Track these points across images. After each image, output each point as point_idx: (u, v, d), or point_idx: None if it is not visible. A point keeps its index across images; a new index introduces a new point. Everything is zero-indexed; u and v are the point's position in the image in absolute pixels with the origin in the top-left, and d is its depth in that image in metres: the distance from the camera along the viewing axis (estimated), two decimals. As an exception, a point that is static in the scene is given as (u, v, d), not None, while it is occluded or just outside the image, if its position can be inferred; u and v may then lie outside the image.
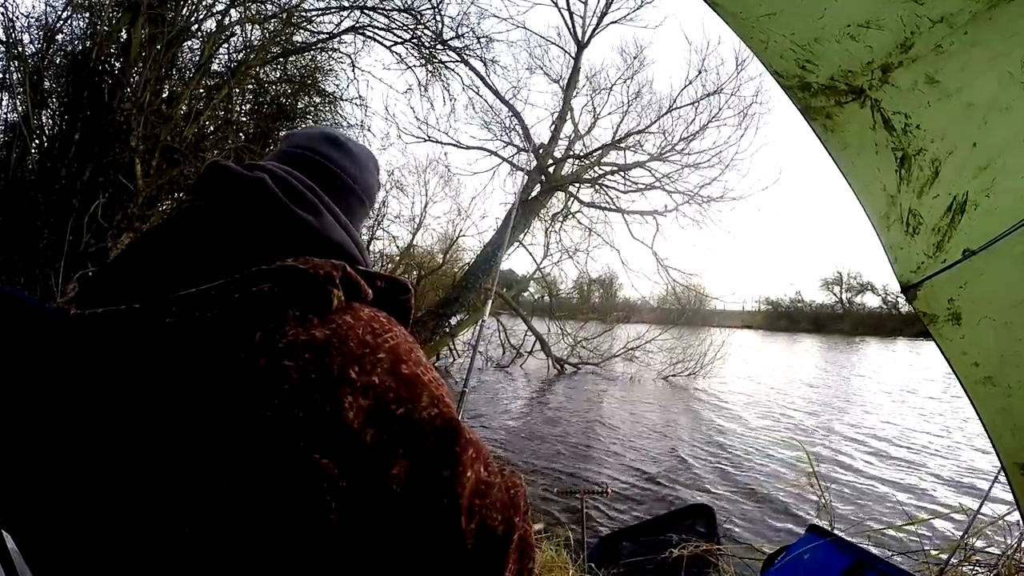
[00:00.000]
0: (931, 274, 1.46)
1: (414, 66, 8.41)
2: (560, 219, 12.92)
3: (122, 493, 0.46)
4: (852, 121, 1.34)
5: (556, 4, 11.42)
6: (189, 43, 6.20)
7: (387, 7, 7.41)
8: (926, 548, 2.56)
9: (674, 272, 12.82)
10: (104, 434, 0.47)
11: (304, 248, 0.56)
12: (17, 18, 5.22)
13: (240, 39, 6.59)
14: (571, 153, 12.33)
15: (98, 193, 4.82)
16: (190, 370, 0.47)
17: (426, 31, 7.89)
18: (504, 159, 12.51)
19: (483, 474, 0.55)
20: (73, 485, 0.47)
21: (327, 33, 7.35)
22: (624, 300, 18.07)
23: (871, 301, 32.31)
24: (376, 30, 7.55)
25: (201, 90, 6.17)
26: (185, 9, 5.90)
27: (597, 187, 12.30)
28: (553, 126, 11.90)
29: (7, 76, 5.12)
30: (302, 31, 7.18)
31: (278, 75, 7.30)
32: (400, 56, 8.16)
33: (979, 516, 2.20)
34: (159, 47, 5.25)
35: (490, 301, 2.49)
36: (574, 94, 12.07)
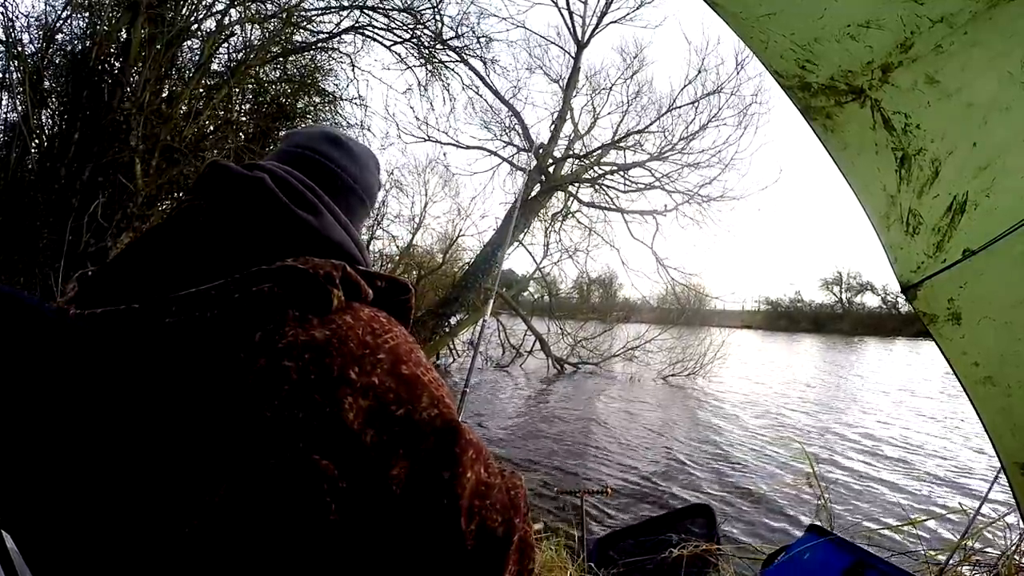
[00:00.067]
0: (931, 274, 1.46)
1: (414, 66, 8.43)
2: (560, 219, 12.95)
3: (122, 493, 0.45)
4: (852, 121, 1.34)
5: (556, 4, 11.46)
6: (189, 43, 6.21)
7: (387, 7, 7.42)
8: (926, 548, 2.56)
9: (674, 272, 12.86)
10: (104, 434, 0.46)
11: (304, 248, 0.55)
12: (17, 18, 5.23)
13: (240, 39, 6.60)
14: (571, 153, 12.35)
15: (98, 193, 4.82)
16: (190, 370, 0.47)
17: (426, 31, 7.90)
18: (504, 159, 12.55)
19: (483, 475, 0.54)
20: (73, 485, 0.47)
21: (327, 33, 7.36)
22: (624, 300, 18.08)
23: (871, 301, 32.36)
24: (376, 30, 7.56)
25: (201, 90, 6.17)
26: (185, 9, 5.90)
27: (597, 187, 12.32)
28: (553, 126, 11.92)
29: (7, 76, 5.12)
30: (302, 31, 7.18)
31: (278, 75, 7.30)
32: (400, 56, 8.17)
33: (979, 516, 2.20)
34: (159, 47, 5.24)
35: (491, 301, 2.49)
36: (574, 94, 12.10)
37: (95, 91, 5.16)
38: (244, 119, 6.95)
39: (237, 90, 6.51)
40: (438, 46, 8.21)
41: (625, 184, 12.26)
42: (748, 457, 6.86)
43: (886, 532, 3.45)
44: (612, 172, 12.20)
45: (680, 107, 11.80)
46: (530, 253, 13.04)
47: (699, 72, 11.62)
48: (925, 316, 1.54)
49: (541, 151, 11.19)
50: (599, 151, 12.28)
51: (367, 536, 0.48)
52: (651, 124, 12.03)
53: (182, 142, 5.46)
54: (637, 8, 11.53)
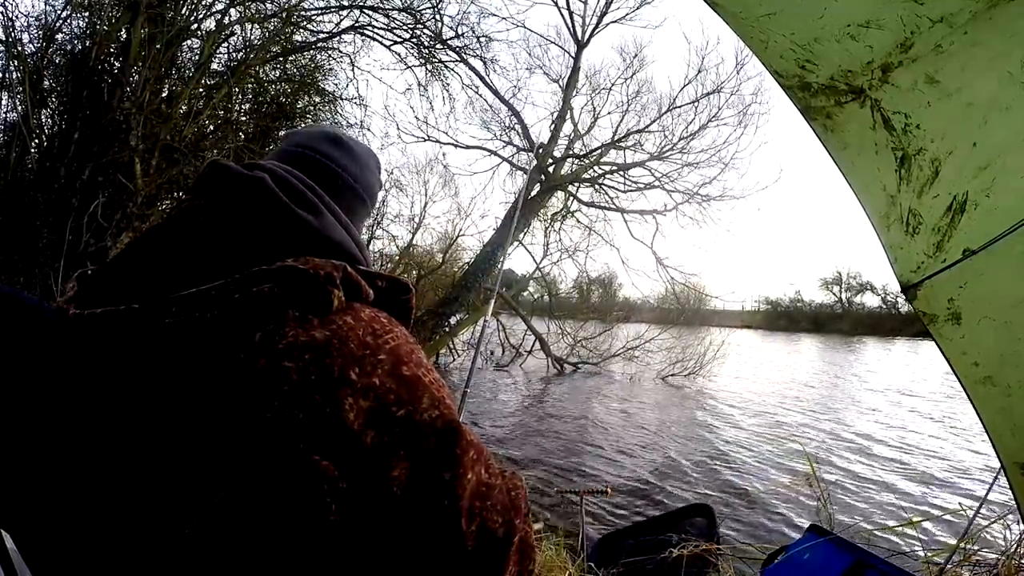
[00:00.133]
0: (931, 274, 1.46)
1: (413, 66, 8.44)
2: (560, 218, 12.95)
3: (121, 494, 0.45)
4: (852, 121, 1.34)
5: (556, 3, 11.46)
6: (189, 42, 6.20)
7: (387, 6, 7.43)
8: (925, 548, 2.56)
9: (674, 271, 12.87)
10: (104, 434, 0.46)
11: (304, 248, 0.55)
12: (17, 17, 5.22)
13: (240, 38, 6.60)
14: (571, 152, 12.36)
15: (97, 192, 4.81)
16: (190, 371, 0.47)
17: (426, 30, 7.91)
18: (504, 159, 12.56)
19: (484, 476, 0.54)
20: (72, 485, 0.47)
21: (327, 32, 7.36)
22: (624, 300, 18.09)
23: (870, 301, 32.33)
24: (376, 29, 7.57)
25: (201, 89, 6.16)
26: (185, 8, 5.90)
27: (597, 186, 12.33)
28: (553, 126, 11.93)
29: (7, 75, 5.11)
30: (302, 30, 7.19)
31: (278, 74, 7.30)
32: (400, 55, 8.18)
33: (979, 516, 2.20)
34: (159, 46, 5.24)
35: (492, 301, 2.49)
36: (574, 93, 12.10)
37: (95, 91, 5.15)
38: (244, 119, 6.95)
39: (237, 90, 6.51)
40: (438, 46, 8.22)
41: (625, 184, 12.29)
42: (748, 457, 6.86)
43: (886, 532, 3.45)
44: (612, 172, 12.21)
45: (680, 107, 11.83)
46: (530, 253, 13.07)
47: (699, 72, 11.66)
48: (925, 316, 1.54)
49: (541, 151, 11.19)
50: (599, 151, 12.30)
51: (367, 537, 0.48)
52: (651, 124, 12.08)
53: (182, 142, 5.45)
54: (637, 8, 11.55)
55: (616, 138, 12.16)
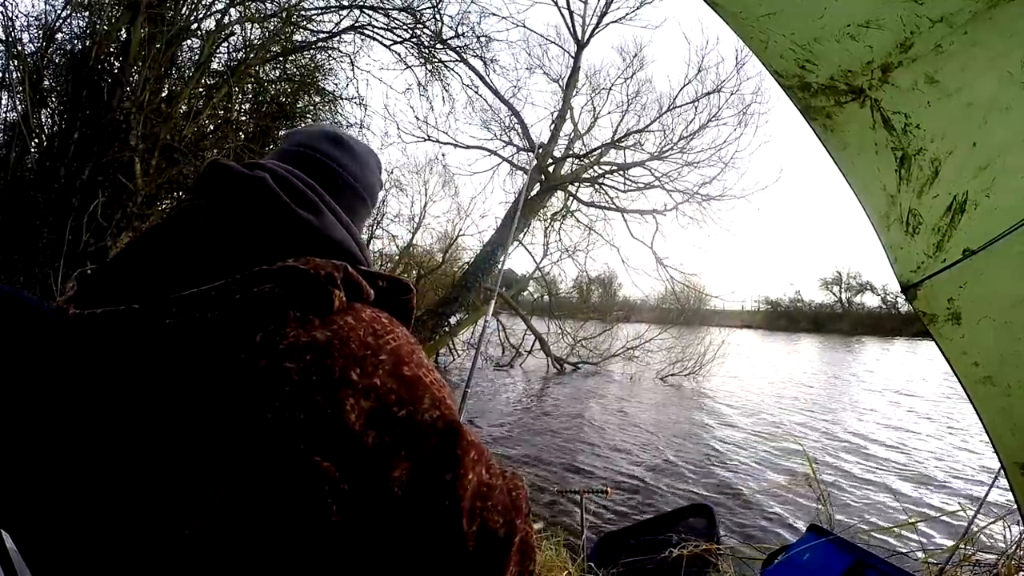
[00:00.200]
0: (931, 274, 1.46)
1: (413, 65, 8.43)
2: (560, 218, 12.95)
3: (122, 494, 0.45)
4: (852, 121, 1.34)
5: (556, 3, 11.45)
6: (189, 42, 6.20)
7: (387, 6, 7.42)
8: (926, 548, 2.56)
9: (673, 271, 12.86)
10: (104, 435, 0.46)
11: (305, 247, 0.55)
12: (17, 17, 5.23)
13: (240, 38, 6.60)
14: (571, 152, 12.35)
15: (97, 192, 4.81)
16: (190, 371, 0.47)
17: (425, 30, 7.90)
18: (504, 159, 12.55)
19: (485, 476, 0.54)
20: (72, 486, 0.47)
21: (327, 32, 7.36)
22: (624, 299, 18.09)
23: (870, 301, 32.32)
24: (375, 29, 7.56)
25: (201, 89, 6.16)
26: (185, 8, 5.90)
27: (597, 186, 12.33)
28: (553, 125, 11.92)
29: (6, 75, 5.11)
30: (302, 30, 7.19)
31: (278, 74, 7.30)
32: (399, 55, 8.18)
33: (979, 516, 2.20)
34: (159, 46, 5.24)
35: (492, 301, 2.49)
36: (574, 93, 12.10)
37: (95, 90, 5.15)
38: (244, 118, 6.95)
39: (237, 89, 6.51)
40: (438, 46, 8.21)
41: (625, 183, 12.28)
42: (747, 457, 6.86)
43: (887, 532, 3.45)
44: (612, 171, 12.21)
45: (680, 106, 11.82)
46: (530, 253, 13.06)
47: (699, 71, 11.65)
48: (925, 316, 1.54)
49: (541, 151, 11.19)
50: (599, 150, 12.29)
51: (368, 537, 0.48)
52: (651, 123, 12.06)
53: (182, 141, 5.45)
54: (637, 8, 11.53)
55: (616, 138, 12.16)
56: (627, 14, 11.65)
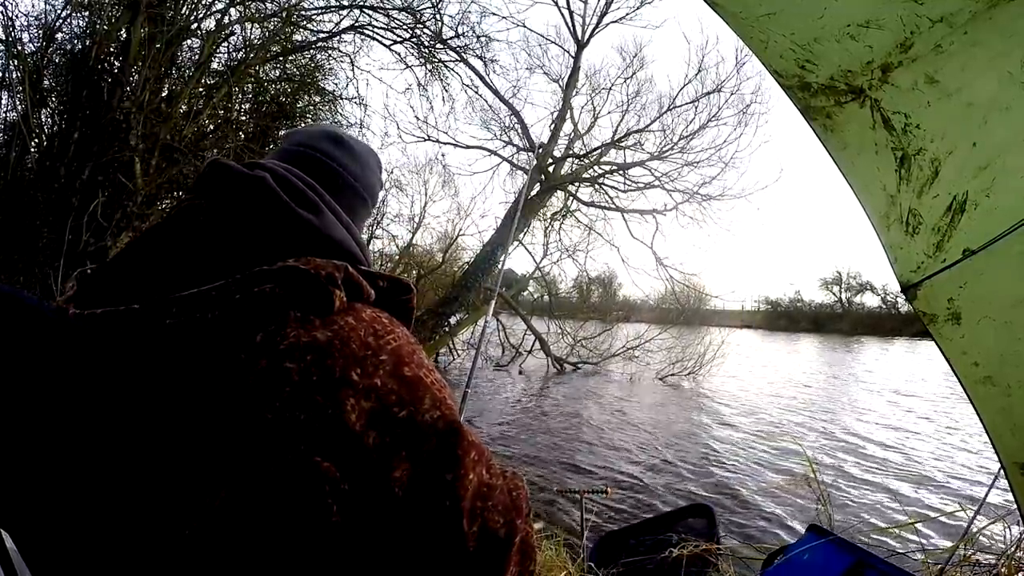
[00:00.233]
0: (931, 274, 1.46)
1: (413, 65, 8.43)
2: (560, 218, 12.95)
3: (122, 495, 0.45)
4: (852, 121, 1.34)
5: (556, 3, 11.44)
6: (189, 42, 6.20)
7: (387, 6, 7.42)
8: (926, 548, 2.56)
9: (673, 271, 12.86)
10: (104, 435, 0.46)
11: (305, 247, 0.55)
12: (17, 17, 5.24)
13: (240, 38, 6.60)
14: (571, 152, 12.36)
15: (97, 192, 4.81)
16: (190, 372, 0.46)
17: (425, 30, 7.90)
18: (504, 159, 12.56)
19: (485, 476, 0.54)
20: (72, 486, 0.47)
21: (327, 32, 7.36)
22: (624, 299, 18.10)
23: (870, 301, 32.33)
24: (376, 29, 7.56)
25: (201, 89, 6.16)
26: (185, 8, 5.90)
27: (596, 186, 12.33)
28: (553, 125, 11.92)
29: (6, 75, 5.11)
30: (302, 30, 7.18)
31: (277, 74, 7.30)
32: (399, 55, 8.18)
33: (978, 516, 2.20)
34: (159, 46, 5.24)
35: (493, 301, 2.49)
36: (574, 93, 12.10)
37: (95, 90, 5.15)
38: (244, 118, 6.95)
39: (237, 89, 6.51)
40: (438, 46, 8.21)
41: (625, 183, 12.29)
42: (747, 457, 6.86)
43: (887, 532, 3.45)
44: (612, 171, 12.21)
45: (680, 106, 11.83)
46: (530, 253, 13.07)
47: (699, 71, 11.65)
48: (925, 316, 1.54)
49: (541, 151, 11.19)
50: (599, 150, 12.30)
51: (369, 538, 0.48)
52: (651, 123, 12.07)
53: (182, 141, 5.45)
54: (637, 8, 11.53)
55: (616, 138, 12.16)
56: (627, 14, 11.67)
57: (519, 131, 12.19)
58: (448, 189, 13.80)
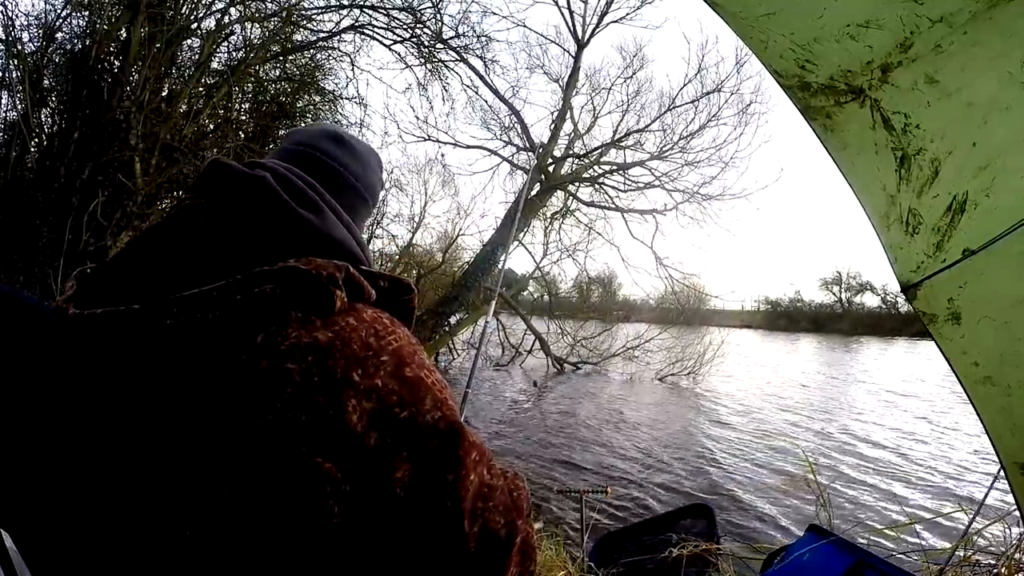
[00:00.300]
0: (931, 274, 1.46)
1: (413, 65, 8.42)
2: (560, 218, 12.95)
3: (122, 495, 0.45)
4: (852, 121, 1.34)
5: (556, 3, 11.44)
6: (189, 41, 6.20)
7: (387, 6, 7.41)
8: (926, 548, 2.56)
9: (673, 271, 12.86)
10: (104, 436, 0.46)
11: (306, 247, 0.55)
12: (17, 16, 5.24)
13: (240, 37, 6.59)
14: (571, 152, 12.36)
15: (97, 191, 4.81)
16: (191, 372, 0.46)
17: (425, 30, 7.89)
18: (504, 158, 12.55)
19: (486, 477, 0.54)
20: (73, 486, 0.47)
21: (327, 32, 7.35)
22: (624, 299, 18.08)
23: (870, 301, 32.31)
24: (376, 29, 7.56)
25: (201, 89, 6.16)
26: (185, 7, 5.90)
27: (596, 186, 12.33)
28: (553, 125, 11.92)
29: (6, 74, 5.11)
30: (302, 30, 7.18)
31: (278, 74, 7.30)
32: (399, 55, 8.17)
33: (978, 516, 2.20)
34: (159, 46, 5.23)
35: (493, 301, 2.49)
36: (574, 93, 12.10)
37: (95, 90, 5.15)
38: (244, 118, 6.95)
39: (237, 89, 6.51)
40: (438, 45, 8.21)
41: (625, 183, 12.29)
42: (747, 457, 6.86)
43: (886, 533, 3.45)
44: (612, 171, 12.21)
45: (680, 106, 11.82)
46: (530, 252, 13.06)
47: (699, 71, 11.64)
48: (925, 316, 1.54)
49: (541, 150, 11.19)
50: (599, 150, 12.30)
51: (370, 538, 0.48)
52: (651, 123, 12.06)
53: (182, 141, 5.45)
54: (638, 8, 11.52)
55: (616, 137, 12.17)
56: (627, 14, 11.66)
57: (519, 131, 12.20)
58: (448, 189, 13.82)
